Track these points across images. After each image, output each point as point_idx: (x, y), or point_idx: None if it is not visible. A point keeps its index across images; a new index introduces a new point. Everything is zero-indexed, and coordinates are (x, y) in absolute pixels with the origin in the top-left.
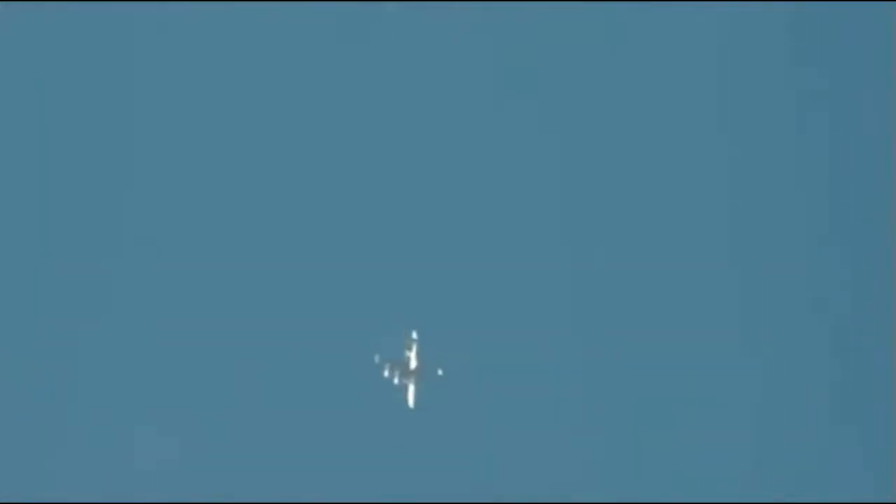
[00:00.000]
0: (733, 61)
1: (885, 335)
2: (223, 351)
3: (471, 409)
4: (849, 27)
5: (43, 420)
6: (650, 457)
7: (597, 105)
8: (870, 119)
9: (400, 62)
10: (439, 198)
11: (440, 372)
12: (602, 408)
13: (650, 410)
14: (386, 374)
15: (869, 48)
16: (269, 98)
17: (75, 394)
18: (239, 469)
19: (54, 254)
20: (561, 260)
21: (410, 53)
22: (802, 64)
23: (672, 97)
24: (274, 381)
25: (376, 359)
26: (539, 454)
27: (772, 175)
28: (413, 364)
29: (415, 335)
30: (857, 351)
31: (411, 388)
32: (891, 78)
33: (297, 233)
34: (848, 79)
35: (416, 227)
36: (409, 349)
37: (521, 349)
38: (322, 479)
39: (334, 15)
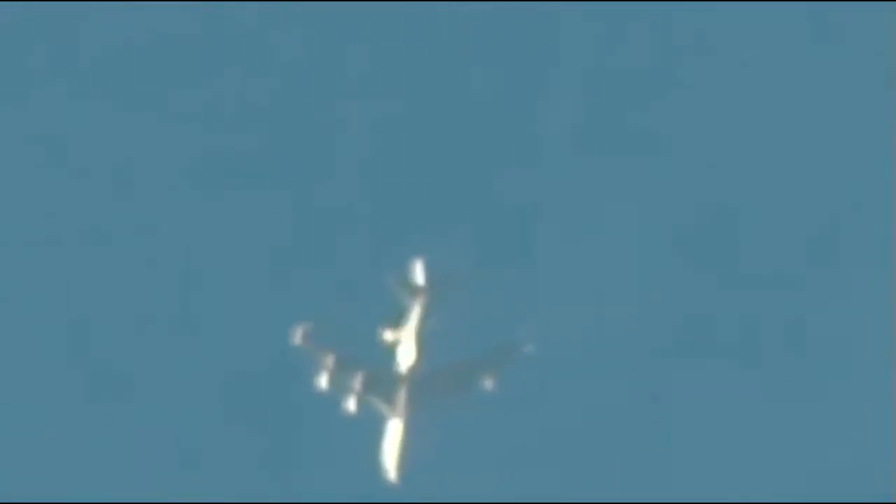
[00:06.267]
0: (732, 60)
1: (884, 332)
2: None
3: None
4: (848, 27)
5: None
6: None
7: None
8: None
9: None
10: None
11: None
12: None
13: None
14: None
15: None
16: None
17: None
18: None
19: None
20: None
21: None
22: (800, 63)
23: (670, 96)
24: None
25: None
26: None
27: (771, 173)
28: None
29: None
30: (856, 343)
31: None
32: (890, 78)
33: None
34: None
35: None
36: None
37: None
38: None
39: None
